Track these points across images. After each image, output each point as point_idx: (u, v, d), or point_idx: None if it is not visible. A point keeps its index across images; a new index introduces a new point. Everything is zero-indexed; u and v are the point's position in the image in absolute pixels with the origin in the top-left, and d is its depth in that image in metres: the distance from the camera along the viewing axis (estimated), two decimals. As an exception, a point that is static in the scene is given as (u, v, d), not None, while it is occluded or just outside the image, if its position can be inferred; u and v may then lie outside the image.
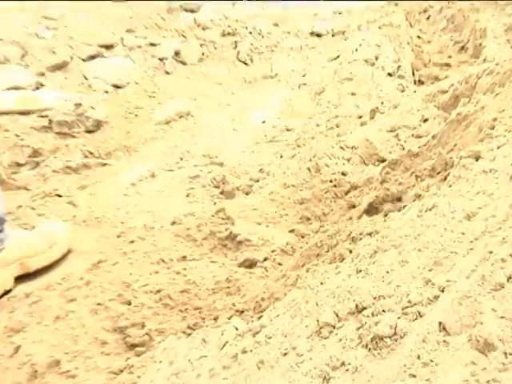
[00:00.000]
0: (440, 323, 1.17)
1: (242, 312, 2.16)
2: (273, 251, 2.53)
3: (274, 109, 3.74)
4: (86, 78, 3.91)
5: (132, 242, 2.65)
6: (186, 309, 2.26)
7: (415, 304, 1.27)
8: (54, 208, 2.96)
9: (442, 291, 1.27)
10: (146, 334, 2.13)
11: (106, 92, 3.84)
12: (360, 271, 1.51)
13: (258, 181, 3.06)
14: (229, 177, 3.07)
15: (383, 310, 1.29)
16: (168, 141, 3.52)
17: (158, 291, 2.32)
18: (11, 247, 2.50)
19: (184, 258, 2.53)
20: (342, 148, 3.04)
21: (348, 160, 3.00)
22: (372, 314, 1.30)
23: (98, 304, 2.28)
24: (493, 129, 1.90)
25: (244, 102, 3.86)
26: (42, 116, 3.51)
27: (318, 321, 1.37)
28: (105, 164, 3.31)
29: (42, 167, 3.23)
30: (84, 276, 2.42)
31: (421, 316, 1.24)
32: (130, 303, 2.28)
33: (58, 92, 3.71)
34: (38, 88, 3.77)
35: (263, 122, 3.60)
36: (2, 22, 4.19)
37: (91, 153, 3.36)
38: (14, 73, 3.83)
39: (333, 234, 2.31)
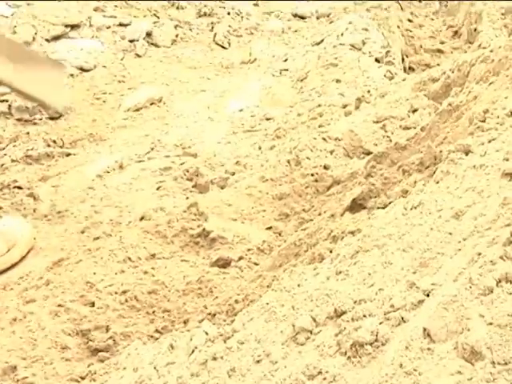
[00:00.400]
0: (424, 329, 1.18)
1: (214, 315, 2.16)
2: (248, 250, 2.53)
3: (253, 96, 3.73)
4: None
5: (97, 238, 2.64)
6: (154, 311, 2.26)
7: (398, 309, 1.27)
8: (13, 201, 2.95)
9: (427, 295, 1.27)
10: (110, 337, 2.13)
11: (72, 75, 3.82)
12: (340, 273, 1.51)
13: (233, 174, 3.05)
14: (203, 169, 3.06)
15: (364, 315, 1.30)
16: (138, 129, 3.51)
17: (124, 292, 2.32)
18: None
19: (153, 256, 2.52)
20: (324, 139, 3.03)
21: (331, 152, 3.00)
22: (352, 319, 1.30)
23: (59, 305, 2.27)
24: (484, 121, 1.90)
25: (220, 88, 3.86)
26: (0, 101, 3.50)
27: (293, 326, 1.37)
28: (69, 154, 3.30)
29: (1, 156, 3.22)
30: (44, 275, 2.41)
31: (404, 321, 1.25)
32: (93, 305, 2.27)
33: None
34: (-3, 71, 3.75)
35: (241, 111, 3.59)
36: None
37: (54, 141, 3.35)
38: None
39: (312, 233, 2.32)
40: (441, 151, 2.15)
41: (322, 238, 2.18)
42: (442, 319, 1.17)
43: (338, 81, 3.68)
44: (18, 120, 3.43)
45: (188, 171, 3.06)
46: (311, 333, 1.36)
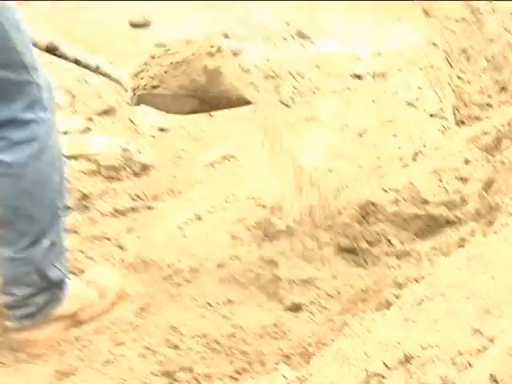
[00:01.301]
0: (491, 375, 1.15)
1: (289, 357, 2.15)
2: (318, 295, 2.51)
3: (317, 151, 3.72)
4: (133, 123, 3.93)
5: (179, 285, 2.65)
6: (233, 353, 2.25)
7: (464, 354, 1.25)
8: (103, 251, 2.98)
9: (492, 341, 1.25)
10: (194, 378, 2.13)
11: (153, 136, 3.85)
12: (407, 320, 1.49)
13: (301, 223, 3.04)
14: (273, 219, 3.06)
15: (432, 360, 1.27)
16: (213, 183, 3.52)
17: (205, 335, 2.32)
18: (68, 302, 2.52)
19: (230, 301, 2.52)
20: (385, 191, 3.02)
21: (391, 202, 2.98)
22: (421, 365, 1.28)
23: (146, 348, 2.28)
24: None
25: (287, 144, 3.85)
26: (90, 160, 3.54)
27: (366, 371, 1.35)
28: (152, 207, 3.32)
29: (91, 210, 3.26)
30: (132, 320, 2.43)
31: (471, 366, 1.22)
32: (177, 347, 2.28)
33: (105, 137, 3.74)
34: (86, 133, 3.81)
35: (306, 164, 3.58)
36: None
37: (138, 196, 3.38)
38: (63, 118, 3.87)
39: (378, 279, 2.30)
40: (496, 202, 2.12)
41: (388, 284, 2.17)
42: (507, 365, 1.15)
43: (395, 135, 3.67)
44: (106, 177, 3.46)
45: (259, 221, 3.06)
46: (383, 377, 1.34)
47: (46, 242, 2.46)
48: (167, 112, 2.97)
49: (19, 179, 2.39)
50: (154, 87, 2.70)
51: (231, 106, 2.91)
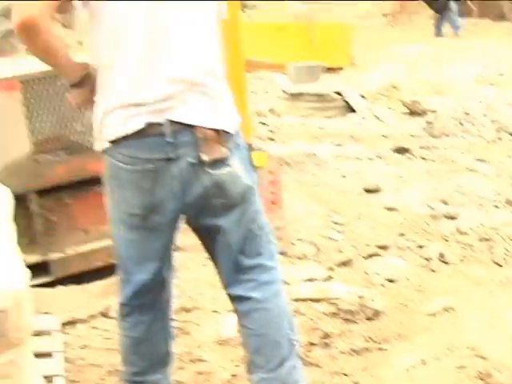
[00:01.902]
0: None
1: None
2: None
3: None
4: (367, 274, 3.96)
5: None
6: None
7: None
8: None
9: None
10: None
11: (383, 286, 3.86)
12: None
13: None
14: (493, 371, 2.92)
15: None
16: (435, 332, 3.43)
17: None
18: None
19: None
20: None
21: None
22: None
23: None
24: None
25: (501, 301, 3.71)
26: (331, 304, 3.58)
27: None
28: (382, 349, 3.27)
29: (332, 348, 3.25)
30: None
31: None
32: None
33: (344, 285, 3.79)
34: (327, 280, 3.87)
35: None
36: (300, 226, 4.41)
37: (371, 338, 3.35)
38: (310, 267, 3.97)
39: None
40: None
41: None
42: None
43: None
44: (344, 319, 3.49)
45: (480, 372, 2.93)
46: None
47: (288, 365, 2.52)
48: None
49: (266, 312, 2.52)
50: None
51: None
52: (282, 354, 2.51)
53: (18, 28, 2.24)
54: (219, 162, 2.37)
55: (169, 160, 2.32)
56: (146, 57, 2.32)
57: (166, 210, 2.40)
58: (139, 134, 2.31)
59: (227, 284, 2.58)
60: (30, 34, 2.27)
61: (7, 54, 4.33)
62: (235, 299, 2.57)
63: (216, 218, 2.45)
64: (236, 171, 2.42)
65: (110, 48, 2.36)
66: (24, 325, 1.61)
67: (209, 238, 2.54)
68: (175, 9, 2.35)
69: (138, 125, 2.30)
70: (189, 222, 2.53)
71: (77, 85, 2.46)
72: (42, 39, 2.28)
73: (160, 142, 2.31)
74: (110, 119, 2.35)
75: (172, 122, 2.31)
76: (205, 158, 2.34)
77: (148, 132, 2.31)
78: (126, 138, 2.33)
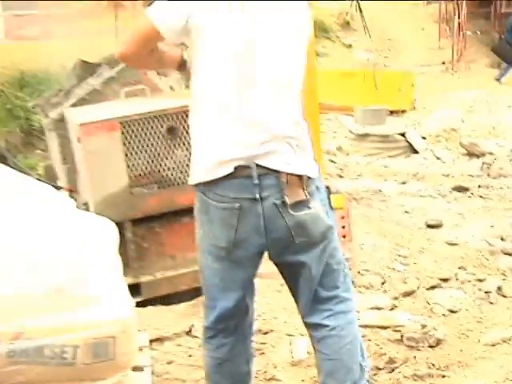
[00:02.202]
0: None
1: None
2: None
3: None
4: (429, 304, 3.91)
5: None
6: None
7: None
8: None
9: None
10: None
11: (444, 316, 3.81)
12: None
13: None
14: None
15: None
16: (494, 361, 3.35)
17: None
18: None
19: None
20: None
21: None
22: None
23: None
24: None
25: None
26: (396, 331, 3.55)
27: None
28: (444, 375, 3.22)
29: (396, 373, 3.21)
30: None
31: None
32: None
33: (407, 313, 3.75)
34: (392, 309, 3.84)
35: None
36: (367, 258, 4.40)
37: (433, 365, 3.29)
38: (376, 296, 3.95)
39: None
40: None
41: None
42: None
43: None
44: (408, 346, 3.45)
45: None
46: None
47: None
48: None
49: (340, 339, 2.52)
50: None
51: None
52: (353, 378, 2.51)
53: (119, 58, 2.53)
54: (301, 204, 2.39)
55: (255, 200, 2.36)
56: (237, 109, 2.36)
57: (249, 245, 2.43)
58: (229, 176, 2.36)
59: (305, 313, 2.59)
60: (128, 63, 2.62)
61: (109, 99, 4.46)
62: (311, 326, 2.58)
63: (298, 254, 2.47)
64: (317, 212, 2.43)
65: (203, 98, 2.42)
66: (130, 350, 1.65)
67: (290, 271, 2.55)
68: (267, 65, 2.39)
69: (229, 169, 2.35)
70: (271, 257, 2.54)
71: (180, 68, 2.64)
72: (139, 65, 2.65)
73: (247, 183, 2.35)
74: (204, 162, 2.41)
75: (259, 166, 2.34)
76: (287, 200, 2.36)
77: (237, 174, 2.35)
78: (216, 183, 2.38)
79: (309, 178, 2.41)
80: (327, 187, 2.57)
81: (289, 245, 2.43)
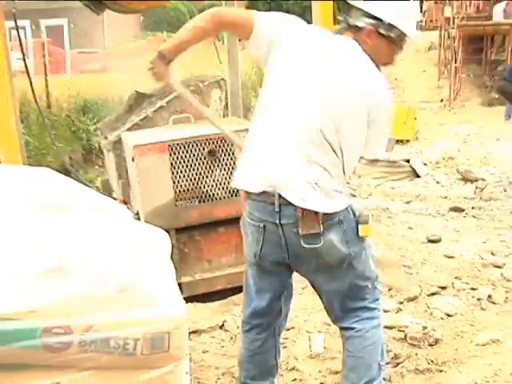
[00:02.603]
0: None
1: None
2: None
3: None
4: (429, 308, 3.87)
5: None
6: None
7: None
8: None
9: None
10: None
11: (442, 319, 3.75)
12: None
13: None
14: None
15: None
16: (485, 359, 3.29)
17: None
18: None
19: None
20: None
21: None
22: None
23: None
24: None
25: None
26: (400, 331, 3.51)
27: None
28: (442, 370, 3.17)
29: (400, 367, 3.17)
30: None
31: None
32: None
33: (410, 316, 3.71)
34: (398, 312, 3.80)
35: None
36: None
37: (432, 361, 3.25)
38: (384, 301, 3.81)
39: None
40: None
41: None
42: None
43: None
44: (410, 344, 3.41)
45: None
46: None
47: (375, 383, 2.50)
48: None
49: (364, 340, 2.49)
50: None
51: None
52: (371, 375, 2.48)
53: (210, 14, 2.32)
54: (314, 236, 2.31)
55: (275, 224, 2.32)
56: (272, 142, 2.32)
57: (272, 258, 2.41)
58: (257, 196, 2.33)
59: (334, 319, 2.57)
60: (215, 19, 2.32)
61: (159, 125, 4.51)
62: (341, 328, 2.56)
63: (314, 274, 2.45)
64: (330, 244, 2.33)
65: (262, 116, 2.39)
66: (182, 344, 1.66)
67: (314, 286, 2.54)
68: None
69: (258, 189, 2.32)
70: (294, 269, 2.51)
71: (165, 56, 2.41)
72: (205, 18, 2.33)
73: (270, 208, 2.31)
74: (243, 171, 2.40)
75: (281, 196, 2.28)
76: (300, 231, 2.30)
77: (263, 198, 2.32)
78: (251, 195, 2.35)
79: (325, 213, 2.29)
80: (356, 219, 2.41)
81: (309, 265, 2.40)
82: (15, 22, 4.28)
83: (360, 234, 2.40)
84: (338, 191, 2.34)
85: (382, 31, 2.31)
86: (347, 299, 2.47)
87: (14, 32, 4.62)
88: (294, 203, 2.27)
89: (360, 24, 2.33)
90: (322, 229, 2.29)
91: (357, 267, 2.43)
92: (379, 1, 2.32)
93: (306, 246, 2.30)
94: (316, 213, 2.28)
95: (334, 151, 2.30)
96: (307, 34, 2.36)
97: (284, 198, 2.27)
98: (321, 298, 2.56)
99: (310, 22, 3.99)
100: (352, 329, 2.49)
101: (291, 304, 2.74)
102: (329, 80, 2.28)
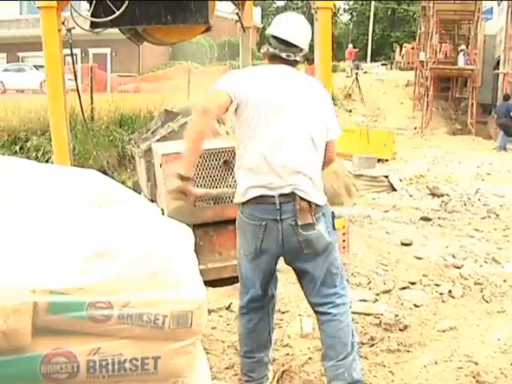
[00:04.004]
0: None
1: None
2: None
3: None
4: (400, 299, 3.89)
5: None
6: None
7: None
8: (381, 374, 2.89)
9: None
10: None
11: (411, 309, 3.76)
12: None
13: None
14: (482, 373, 2.80)
15: None
16: (444, 342, 3.29)
17: None
18: None
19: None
20: None
21: None
22: None
23: None
24: None
25: (488, 324, 3.52)
26: (376, 318, 3.51)
27: None
28: (409, 351, 3.17)
29: (375, 348, 3.16)
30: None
31: None
32: None
33: (385, 306, 3.72)
34: (374, 302, 3.79)
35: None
36: (358, 264, 4.35)
37: (401, 343, 3.25)
38: (363, 292, 3.93)
39: None
40: None
41: None
42: None
43: None
44: (384, 329, 3.39)
45: (472, 372, 2.81)
46: None
47: (351, 358, 2.50)
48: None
49: (339, 323, 2.51)
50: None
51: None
52: (347, 350, 2.50)
53: (201, 110, 2.28)
54: (309, 226, 2.37)
55: (276, 220, 2.36)
56: (270, 151, 2.36)
57: (270, 252, 2.43)
58: (257, 200, 2.36)
59: (312, 304, 2.58)
60: (204, 115, 2.29)
61: (183, 138, 4.49)
62: (318, 312, 2.57)
63: (305, 262, 2.46)
64: (320, 232, 2.41)
65: (247, 138, 2.42)
66: (202, 321, 1.67)
67: (300, 273, 2.55)
68: (306, 129, 2.39)
69: (256, 194, 2.36)
70: (286, 262, 2.54)
71: (190, 179, 2.41)
72: (206, 123, 2.32)
73: (271, 208, 2.35)
74: (242, 188, 2.43)
75: (281, 195, 2.34)
76: (299, 222, 2.35)
77: (263, 200, 2.35)
78: (248, 202, 2.39)
79: (316, 205, 2.38)
80: (332, 212, 2.51)
81: (299, 254, 2.43)
82: (71, 50, 4.30)
83: (335, 226, 2.49)
84: (321, 186, 2.45)
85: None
86: (323, 286, 2.49)
87: (68, 58, 4.66)
88: (303, 196, 2.32)
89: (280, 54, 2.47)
90: (314, 220, 2.36)
91: (332, 255, 2.48)
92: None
93: (303, 232, 2.34)
94: (310, 206, 2.35)
95: (319, 150, 2.44)
96: (256, 77, 2.45)
97: (284, 196, 2.32)
98: (301, 285, 2.57)
99: (311, 20, 3.92)
100: (329, 313, 2.49)
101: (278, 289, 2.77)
102: (295, 100, 2.41)
